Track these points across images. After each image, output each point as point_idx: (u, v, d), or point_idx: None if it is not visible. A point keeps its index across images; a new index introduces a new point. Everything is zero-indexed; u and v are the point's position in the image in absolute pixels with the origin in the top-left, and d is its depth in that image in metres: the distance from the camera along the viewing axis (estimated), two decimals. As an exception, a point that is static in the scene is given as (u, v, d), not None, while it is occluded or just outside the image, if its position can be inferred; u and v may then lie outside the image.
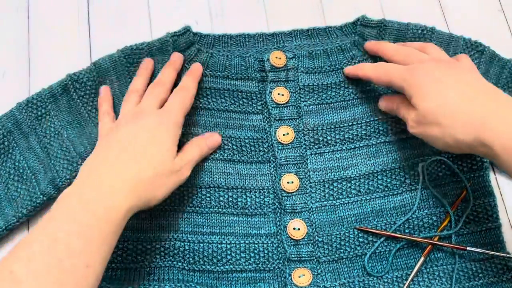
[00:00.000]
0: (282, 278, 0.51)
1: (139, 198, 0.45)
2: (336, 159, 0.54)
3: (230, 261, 0.51)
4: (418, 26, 0.57)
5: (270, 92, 0.55)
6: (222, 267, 0.51)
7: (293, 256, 0.51)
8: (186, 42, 0.57)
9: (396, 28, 0.57)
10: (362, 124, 0.55)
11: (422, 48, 0.53)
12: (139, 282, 0.50)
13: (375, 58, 0.56)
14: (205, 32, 0.58)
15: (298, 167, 0.54)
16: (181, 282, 0.50)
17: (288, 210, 0.52)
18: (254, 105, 0.56)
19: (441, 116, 0.45)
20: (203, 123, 0.55)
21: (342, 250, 0.51)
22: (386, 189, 0.53)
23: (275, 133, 0.54)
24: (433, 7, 0.63)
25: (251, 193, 0.53)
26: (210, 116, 0.55)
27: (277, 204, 0.53)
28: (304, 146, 0.54)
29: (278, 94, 0.55)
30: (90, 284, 0.40)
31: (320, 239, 0.52)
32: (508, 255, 0.50)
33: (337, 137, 0.55)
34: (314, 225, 0.52)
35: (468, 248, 0.50)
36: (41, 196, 0.52)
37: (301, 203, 0.53)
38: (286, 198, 0.53)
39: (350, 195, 0.53)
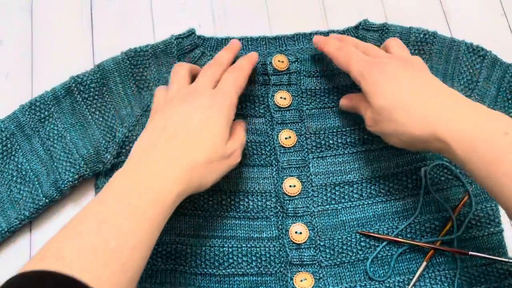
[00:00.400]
0: (284, 282, 0.51)
1: (190, 183, 0.44)
2: (338, 163, 0.54)
3: (232, 264, 0.51)
4: (420, 30, 0.57)
5: (273, 96, 0.55)
6: (224, 271, 0.51)
7: (295, 260, 0.51)
8: (190, 45, 0.57)
9: (399, 32, 0.57)
10: (365, 129, 0.54)
11: (385, 45, 0.53)
12: (141, 286, 0.50)
13: None
14: (209, 35, 0.59)
15: (300, 170, 0.54)
16: (183, 286, 0.50)
17: (290, 214, 0.52)
18: (256, 108, 0.56)
19: (396, 113, 0.45)
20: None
21: (344, 254, 0.51)
22: (388, 193, 0.53)
23: (277, 137, 0.54)
24: (435, 10, 0.63)
25: (253, 196, 0.53)
26: None
27: (279, 207, 0.53)
28: (306, 149, 0.54)
29: (281, 97, 0.55)
30: (135, 266, 0.39)
31: (322, 243, 0.52)
32: (510, 260, 0.50)
33: (339, 141, 0.55)
34: (316, 229, 0.52)
35: (470, 253, 0.50)
36: (44, 199, 0.52)
37: (303, 207, 0.52)
38: (288, 201, 0.53)
39: (352, 199, 0.53)
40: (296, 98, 0.55)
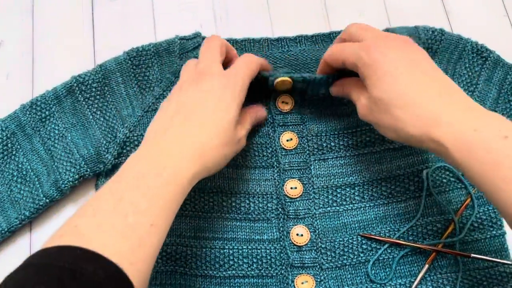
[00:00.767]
0: (285, 284, 0.50)
1: (204, 165, 0.44)
2: (339, 165, 0.54)
3: (232, 266, 0.51)
4: (428, 28, 0.56)
5: (275, 99, 0.55)
6: (224, 273, 0.50)
7: (296, 262, 0.51)
8: (193, 44, 0.57)
9: (406, 33, 0.56)
10: (366, 131, 0.54)
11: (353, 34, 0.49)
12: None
13: None
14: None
15: (301, 172, 0.53)
16: (183, 287, 0.50)
17: (291, 216, 0.52)
18: None
19: (393, 107, 0.43)
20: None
21: (345, 257, 0.51)
22: (390, 196, 0.53)
23: (278, 139, 0.54)
24: (437, 10, 0.63)
25: (254, 198, 0.53)
26: None
27: (280, 209, 0.53)
28: (307, 152, 0.54)
29: (283, 102, 0.55)
30: (153, 242, 0.39)
31: (323, 246, 0.51)
32: (512, 263, 0.50)
33: (341, 143, 0.54)
34: (317, 231, 0.52)
35: (472, 255, 0.50)
36: (44, 198, 0.52)
37: (305, 209, 0.52)
38: (289, 203, 0.52)
39: (353, 202, 0.53)
40: (299, 101, 0.55)
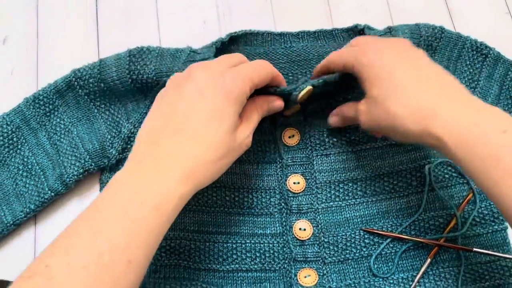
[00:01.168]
0: (288, 279, 0.51)
1: (194, 184, 0.40)
2: (342, 161, 0.54)
3: (235, 260, 0.51)
4: (429, 25, 0.56)
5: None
6: (227, 267, 0.51)
7: (298, 256, 0.51)
8: (201, 57, 0.55)
9: (407, 30, 0.56)
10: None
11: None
12: (145, 280, 0.50)
13: None
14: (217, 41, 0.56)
15: (304, 168, 0.54)
16: (186, 281, 0.50)
17: (294, 211, 0.52)
18: None
19: (391, 104, 0.42)
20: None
21: (348, 251, 0.51)
22: (392, 190, 0.53)
23: (281, 135, 0.54)
24: (440, 8, 0.63)
25: (257, 193, 0.53)
26: None
27: (283, 204, 0.53)
28: (310, 147, 0.54)
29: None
30: (130, 280, 0.36)
31: (326, 240, 0.52)
32: (514, 258, 0.50)
33: (343, 138, 0.55)
34: (320, 225, 0.52)
35: (474, 250, 0.50)
36: (49, 192, 0.52)
37: (307, 204, 0.53)
38: (292, 198, 0.53)
39: (356, 197, 0.53)
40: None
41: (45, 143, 0.54)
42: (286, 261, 0.51)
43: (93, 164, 0.53)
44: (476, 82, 0.56)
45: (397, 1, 0.63)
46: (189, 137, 0.41)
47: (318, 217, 0.52)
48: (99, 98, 0.55)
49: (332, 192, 0.53)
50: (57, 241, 0.36)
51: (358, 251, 0.51)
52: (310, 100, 0.53)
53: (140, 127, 0.51)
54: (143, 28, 0.62)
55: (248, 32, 0.58)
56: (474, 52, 0.57)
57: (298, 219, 0.52)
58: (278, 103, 0.49)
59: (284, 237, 0.52)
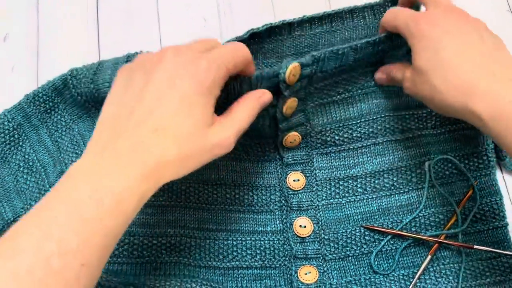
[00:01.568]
0: (288, 276, 0.51)
1: (157, 181, 0.37)
2: (342, 158, 0.54)
3: (236, 257, 0.51)
4: None
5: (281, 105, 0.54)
6: (228, 264, 0.51)
7: (299, 253, 0.51)
8: None
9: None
10: (369, 121, 0.54)
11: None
12: (145, 277, 0.50)
13: (374, 62, 0.55)
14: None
15: (304, 165, 0.54)
16: (187, 278, 0.50)
17: (294, 208, 0.52)
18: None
19: (433, 77, 0.43)
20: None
21: (348, 248, 0.51)
22: (392, 187, 0.53)
23: (282, 140, 0.53)
24: None
25: (258, 190, 0.53)
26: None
27: (283, 201, 0.53)
28: (310, 146, 0.54)
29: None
30: (83, 285, 0.33)
31: (326, 237, 0.52)
32: (515, 254, 0.50)
33: (345, 135, 0.55)
34: (320, 222, 0.52)
35: (475, 247, 0.50)
36: (50, 189, 0.52)
37: (307, 201, 0.53)
38: (292, 195, 0.53)
39: (356, 193, 0.53)
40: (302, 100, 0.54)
41: (46, 140, 0.54)
42: (287, 258, 0.51)
43: (93, 161, 0.53)
44: None
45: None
46: (154, 130, 0.36)
47: (319, 214, 0.52)
48: (91, 98, 0.53)
49: (332, 189, 0.53)
50: (5, 239, 0.33)
51: (358, 248, 0.51)
52: (306, 88, 0.50)
53: None
54: (144, 27, 0.62)
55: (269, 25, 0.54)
56: None
57: (299, 216, 0.52)
58: (268, 96, 0.44)
59: (285, 234, 0.52)
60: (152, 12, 0.63)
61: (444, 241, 0.51)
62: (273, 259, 0.51)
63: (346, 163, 0.54)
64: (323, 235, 0.52)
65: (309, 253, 0.51)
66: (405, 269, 0.51)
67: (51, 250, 0.31)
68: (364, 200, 0.53)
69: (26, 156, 0.53)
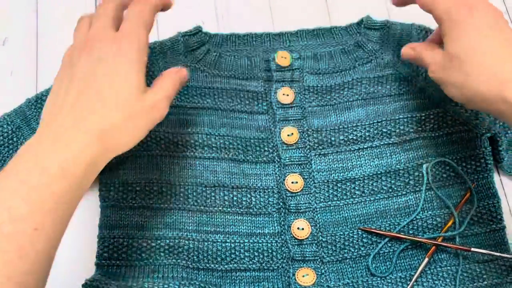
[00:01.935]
0: (286, 278, 0.51)
1: (105, 147, 0.39)
2: (340, 160, 0.54)
3: (234, 260, 0.51)
4: (422, 27, 0.57)
5: (276, 92, 0.55)
6: (226, 266, 0.51)
7: (297, 255, 0.51)
8: (197, 42, 0.57)
9: (399, 29, 0.57)
10: (366, 126, 0.55)
11: None
12: (143, 279, 0.50)
13: (379, 60, 0.57)
14: (214, 32, 0.59)
15: (302, 167, 0.54)
16: (185, 280, 0.50)
17: (292, 210, 0.52)
18: (260, 105, 0.56)
19: (468, 65, 0.43)
20: (210, 122, 0.55)
21: (346, 251, 0.52)
22: (390, 190, 0.53)
23: (279, 134, 0.54)
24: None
25: (256, 192, 0.53)
26: (216, 116, 0.55)
27: (281, 204, 0.53)
28: (308, 146, 0.55)
29: (283, 94, 0.55)
30: (39, 249, 0.35)
31: (324, 239, 0.52)
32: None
33: (341, 138, 0.55)
34: (318, 225, 0.52)
35: (472, 249, 0.50)
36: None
37: (305, 203, 0.53)
38: (290, 198, 0.53)
39: (354, 196, 0.53)
40: (299, 95, 0.56)
41: (44, 144, 0.54)
42: (285, 261, 0.51)
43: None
44: None
45: (395, 1, 0.63)
46: (91, 101, 0.40)
47: (316, 217, 0.53)
48: None
49: (330, 191, 0.53)
50: None
51: (356, 250, 0.52)
52: (307, 95, 0.54)
53: None
54: (142, 29, 0.62)
55: (247, 34, 0.59)
56: None
57: (296, 219, 0.52)
58: (183, 71, 0.47)
59: (282, 237, 0.52)
60: (150, 15, 0.63)
61: (441, 243, 0.51)
62: (271, 262, 0.51)
63: (344, 165, 0.54)
64: (321, 238, 0.52)
65: (307, 255, 0.51)
66: (402, 271, 0.51)
67: (2, 218, 0.34)
68: (362, 203, 0.53)
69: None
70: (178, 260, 0.51)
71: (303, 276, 0.50)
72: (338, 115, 0.56)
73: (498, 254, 0.50)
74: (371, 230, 0.52)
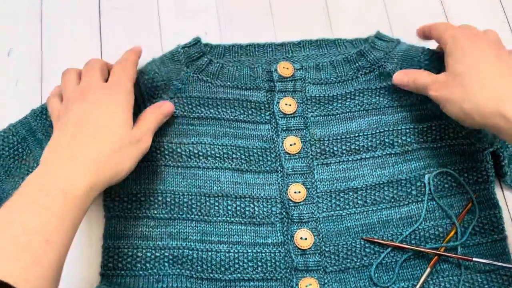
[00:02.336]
0: (289, 287, 0.51)
1: (101, 175, 0.45)
2: (342, 170, 0.55)
3: (237, 269, 0.51)
4: (419, 49, 0.57)
5: (278, 102, 0.56)
6: (229, 276, 0.51)
7: (300, 265, 0.51)
8: (197, 52, 0.57)
9: (408, 46, 0.57)
10: (368, 136, 0.55)
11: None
12: (148, 290, 0.50)
13: (381, 69, 0.57)
14: (215, 43, 0.59)
15: (305, 177, 0.54)
16: (189, 290, 0.50)
17: (295, 220, 0.53)
18: (262, 115, 0.56)
19: (469, 80, 0.47)
20: (213, 132, 0.55)
21: (348, 260, 0.52)
22: (392, 200, 0.54)
23: (282, 143, 0.55)
24: (438, 16, 0.64)
25: (259, 202, 0.54)
26: (219, 126, 0.56)
27: (284, 213, 0.53)
28: (311, 156, 0.55)
29: (286, 104, 0.56)
30: (51, 258, 0.40)
31: (327, 249, 0.52)
32: (513, 267, 0.51)
33: (344, 148, 0.55)
34: (321, 235, 0.53)
35: (474, 259, 0.50)
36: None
37: (308, 213, 0.53)
38: (293, 207, 0.53)
39: (356, 206, 0.54)
40: (301, 105, 0.56)
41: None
42: (288, 270, 0.52)
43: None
44: None
45: (396, 11, 0.64)
46: (86, 137, 0.46)
47: (319, 226, 0.53)
48: None
49: (333, 201, 0.54)
50: None
51: (358, 260, 0.52)
52: (310, 102, 0.54)
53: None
54: (146, 40, 0.62)
55: (249, 44, 0.59)
56: None
57: (299, 228, 0.53)
58: (167, 105, 0.54)
59: (286, 247, 0.52)
60: (154, 25, 0.63)
61: (443, 253, 0.51)
62: (274, 271, 0.52)
63: (346, 175, 0.55)
64: (323, 247, 0.52)
65: (310, 265, 0.51)
66: (405, 281, 0.51)
67: (17, 231, 0.39)
68: (365, 213, 0.53)
69: (30, 170, 0.54)
70: (182, 270, 0.51)
71: (306, 286, 0.51)
72: (340, 125, 0.56)
73: (500, 264, 0.50)
74: (374, 240, 0.52)
